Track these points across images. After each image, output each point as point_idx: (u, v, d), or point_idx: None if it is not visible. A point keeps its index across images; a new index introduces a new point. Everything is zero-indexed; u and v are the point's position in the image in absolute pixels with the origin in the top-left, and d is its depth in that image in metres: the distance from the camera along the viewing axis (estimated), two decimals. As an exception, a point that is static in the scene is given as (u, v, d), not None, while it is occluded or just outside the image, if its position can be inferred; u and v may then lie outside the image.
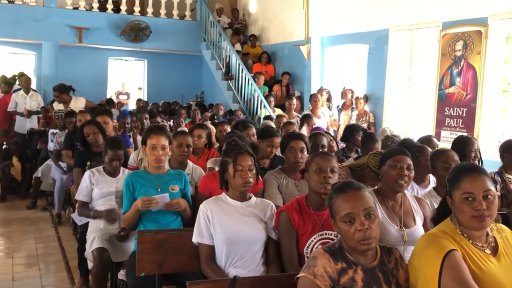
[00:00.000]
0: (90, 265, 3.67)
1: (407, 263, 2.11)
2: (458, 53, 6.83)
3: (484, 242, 2.09)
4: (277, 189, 3.62)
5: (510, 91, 6.75)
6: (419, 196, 3.32)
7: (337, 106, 9.08)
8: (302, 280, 1.95)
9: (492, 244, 2.10)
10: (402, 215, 2.85)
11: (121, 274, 3.51)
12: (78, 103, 7.23)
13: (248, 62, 11.49)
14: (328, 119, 8.51)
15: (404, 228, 2.78)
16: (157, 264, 2.74)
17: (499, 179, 4.27)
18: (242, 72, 10.45)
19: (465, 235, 2.07)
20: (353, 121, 8.34)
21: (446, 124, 7.01)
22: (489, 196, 2.03)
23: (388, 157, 2.92)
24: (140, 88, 14.52)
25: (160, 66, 14.04)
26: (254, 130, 5.15)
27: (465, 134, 6.18)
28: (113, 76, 14.19)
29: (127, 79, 14.72)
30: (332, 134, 7.10)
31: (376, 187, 3.07)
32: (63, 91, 7.25)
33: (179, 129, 5.15)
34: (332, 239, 2.57)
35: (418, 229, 2.79)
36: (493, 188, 2.09)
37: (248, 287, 2.14)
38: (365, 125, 7.97)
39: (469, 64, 6.68)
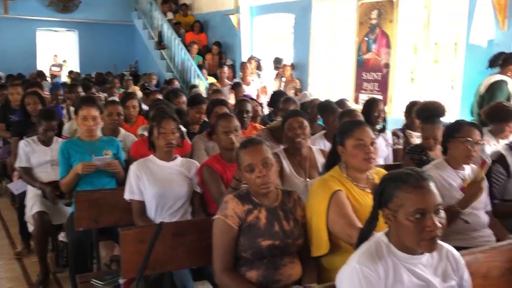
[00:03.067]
0: (30, 228, 3.91)
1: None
2: (373, 22, 7.41)
3: (365, 184, 2.55)
4: (204, 151, 3.98)
5: (418, 57, 7.39)
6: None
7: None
8: (216, 221, 2.35)
9: (372, 183, 2.59)
10: (308, 168, 3.33)
11: (61, 236, 3.78)
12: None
13: (180, 31, 11.61)
14: (258, 86, 8.91)
15: (308, 180, 3.25)
16: (93, 219, 3.06)
17: (402, 134, 4.88)
18: (174, 41, 10.59)
19: (350, 178, 2.54)
20: (282, 88, 8.82)
21: (364, 88, 7.63)
22: (374, 143, 2.52)
23: (286, 119, 3.38)
24: (65, 61, 14.13)
25: (92, 36, 13.84)
26: (184, 98, 5.47)
27: (377, 96, 6.78)
28: (44, 47, 13.83)
29: (60, 50, 14.39)
30: (263, 101, 7.54)
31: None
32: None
33: (109, 99, 5.38)
34: None
35: (321, 179, 3.28)
36: (375, 137, 2.58)
37: (173, 231, 2.50)
38: (292, 91, 8.46)
39: (383, 32, 7.26)
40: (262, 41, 10.41)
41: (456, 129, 2.99)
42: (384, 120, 4.76)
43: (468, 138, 2.91)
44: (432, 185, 1.67)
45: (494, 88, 4.87)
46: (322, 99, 5.54)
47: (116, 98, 5.93)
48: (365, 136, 2.48)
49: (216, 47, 10.65)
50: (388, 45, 7.20)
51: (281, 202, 2.46)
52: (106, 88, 8.58)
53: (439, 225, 1.62)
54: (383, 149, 4.73)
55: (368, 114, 4.64)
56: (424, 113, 4.14)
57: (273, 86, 9.19)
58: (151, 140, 3.13)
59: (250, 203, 2.37)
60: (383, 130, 4.78)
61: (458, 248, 2.24)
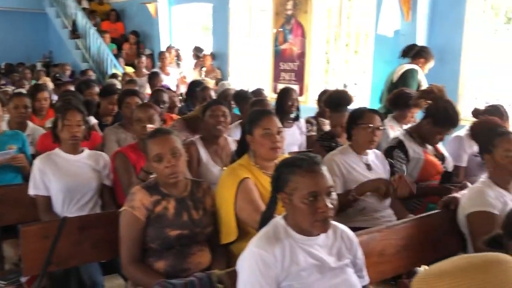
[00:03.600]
0: None
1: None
2: (289, 12, 7.55)
3: (273, 171, 2.63)
4: (115, 143, 3.89)
5: (333, 48, 7.66)
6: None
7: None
8: (123, 213, 2.32)
9: None
10: (224, 158, 3.36)
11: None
12: None
13: (96, 20, 11.22)
14: (178, 76, 8.82)
15: (225, 168, 3.29)
16: (-3, 217, 2.92)
17: (315, 122, 5.05)
18: (89, 30, 10.22)
19: (258, 166, 2.59)
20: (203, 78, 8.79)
21: (281, 78, 7.78)
22: (281, 132, 2.58)
23: (208, 107, 3.40)
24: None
25: (1, 25, 13.01)
26: (96, 89, 5.30)
27: (293, 86, 6.97)
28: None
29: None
30: (183, 91, 7.48)
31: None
32: None
33: (16, 91, 5.11)
34: None
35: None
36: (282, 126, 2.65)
37: (78, 225, 2.44)
38: (213, 81, 8.46)
39: (299, 23, 7.43)
40: (181, 31, 10.29)
41: (358, 116, 3.14)
42: (298, 109, 4.89)
43: (370, 125, 3.07)
44: (324, 169, 1.75)
45: (407, 76, 5.12)
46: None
47: (23, 90, 5.63)
48: (271, 125, 2.55)
49: (133, 37, 10.41)
50: (303, 36, 7.38)
51: (190, 192, 2.47)
52: (15, 80, 8.13)
53: (330, 206, 1.70)
54: (297, 137, 4.86)
55: (281, 103, 4.75)
56: (331, 102, 4.31)
57: (193, 76, 9.12)
58: (55, 132, 3.02)
59: (158, 193, 2.35)
60: (297, 118, 4.91)
61: (360, 229, 2.38)
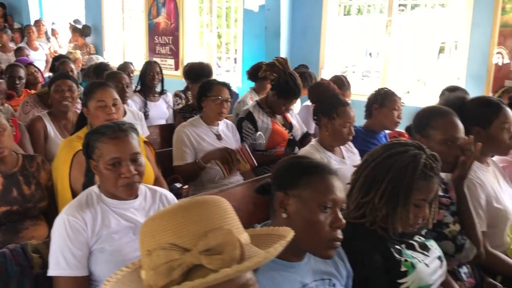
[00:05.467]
0: None
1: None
2: (161, -15, 7.46)
3: None
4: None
5: (205, 22, 7.68)
6: None
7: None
8: None
9: None
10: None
11: None
12: None
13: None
14: (47, 51, 8.37)
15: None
16: None
17: (184, 95, 5.09)
18: None
19: None
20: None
21: (157, 52, 7.68)
22: (118, 105, 2.60)
23: (54, 81, 3.34)
24: None
25: None
26: None
27: (169, 60, 6.96)
28: None
29: None
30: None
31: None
32: None
33: None
34: None
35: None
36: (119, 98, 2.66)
37: None
38: (86, 57, 8.14)
39: (171, -4, 7.37)
40: (53, 4, 9.71)
41: (208, 88, 3.24)
42: (162, 82, 4.90)
43: (218, 97, 3.18)
44: (131, 136, 1.80)
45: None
46: (117, 64, 5.50)
47: None
48: (105, 97, 2.55)
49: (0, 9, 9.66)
50: (176, 9, 7.32)
51: (22, 167, 2.41)
52: None
53: (134, 172, 1.76)
54: (164, 110, 4.89)
55: (143, 77, 4.76)
56: (190, 74, 4.38)
57: (66, 51, 8.70)
58: None
59: (-14, 174, 2.28)
60: (163, 92, 4.93)
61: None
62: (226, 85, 3.32)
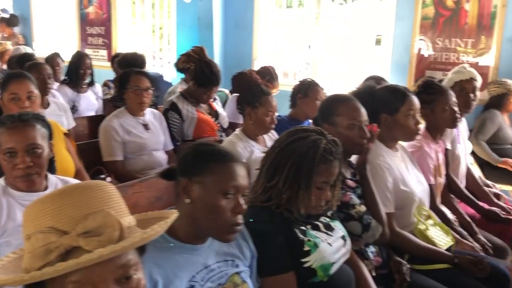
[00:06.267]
0: None
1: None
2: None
3: None
4: None
5: (138, 14, 7.57)
6: None
7: None
8: None
9: None
10: None
11: None
12: None
13: None
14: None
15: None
16: None
17: (113, 85, 4.99)
18: None
19: None
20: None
21: (89, 43, 7.49)
22: (33, 97, 2.55)
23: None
24: None
25: None
26: None
27: (102, 50, 6.81)
28: None
29: None
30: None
31: None
32: None
33: None
34: None
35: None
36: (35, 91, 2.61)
37: None
38: (13, 47, 7.82)
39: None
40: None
41: (126, 80, 3.23)
42: (91, 74, 4.81)
43: (137, 87, 3.17)
44: (31, 126, 1.76)
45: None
46: (47, 54, 5.31)
47: None
48: (19, 90, 2.50)
49: None
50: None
51: None
52: None
53: (30, 163, 1.73)
54: (93, 101, 4.81)
55: (73, 68, 4.66)
56: (123, 64, 4.33)
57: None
58: None
59: None
60: (92, 83, 4.84)
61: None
62: (144, 74, 3.31)
